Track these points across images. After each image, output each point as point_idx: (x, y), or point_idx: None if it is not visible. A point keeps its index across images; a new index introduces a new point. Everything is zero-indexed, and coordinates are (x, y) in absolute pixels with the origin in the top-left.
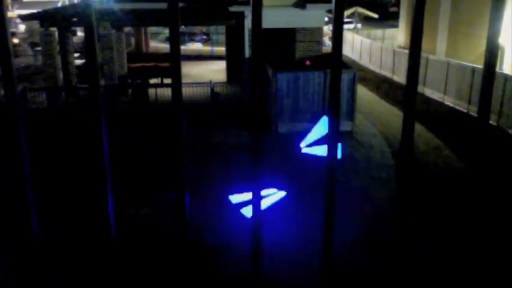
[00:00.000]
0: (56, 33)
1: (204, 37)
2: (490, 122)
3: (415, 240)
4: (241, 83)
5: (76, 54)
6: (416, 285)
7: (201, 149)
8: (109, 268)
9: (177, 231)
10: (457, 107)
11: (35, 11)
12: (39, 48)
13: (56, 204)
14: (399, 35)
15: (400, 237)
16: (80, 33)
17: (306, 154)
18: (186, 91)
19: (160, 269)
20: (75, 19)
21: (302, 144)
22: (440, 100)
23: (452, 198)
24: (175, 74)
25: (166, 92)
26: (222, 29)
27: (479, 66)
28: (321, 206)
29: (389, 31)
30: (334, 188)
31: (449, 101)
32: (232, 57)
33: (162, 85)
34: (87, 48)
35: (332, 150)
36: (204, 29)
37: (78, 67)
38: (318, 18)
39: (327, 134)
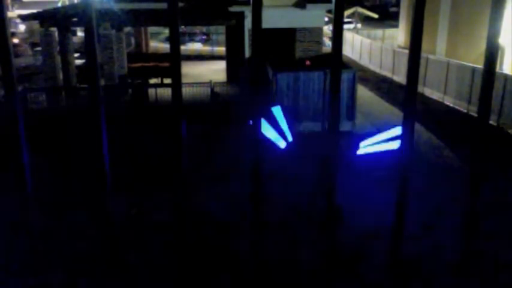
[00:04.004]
0: (56, 33)
1: (204, 37)
2: (490, 122)
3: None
4: (240, 83)
5: (76, 54)
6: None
7: (202, 148)
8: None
9: (177, 228)
10: (457, 107)
11: (35, 11)
12: (39, 48)
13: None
14: (399, 35)
15: (401, 236)
16: (80, 33)
17: None
18: (186, 91)
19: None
20: (75, 19)
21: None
22: (440, 100)
23: (451, 197)
24: (175, 74)
25: (166, 92)
26: (222, 29)
27: (479, 66)
28: None
29: (389, 31)
30: (334, 180)
31: (449, 101)
32: (232, 57)
33: (162, 85)
34: (87, 48)
35: (332, 148)
36: (204, 29)
37: (78, 67)
38: (318, 18)
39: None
